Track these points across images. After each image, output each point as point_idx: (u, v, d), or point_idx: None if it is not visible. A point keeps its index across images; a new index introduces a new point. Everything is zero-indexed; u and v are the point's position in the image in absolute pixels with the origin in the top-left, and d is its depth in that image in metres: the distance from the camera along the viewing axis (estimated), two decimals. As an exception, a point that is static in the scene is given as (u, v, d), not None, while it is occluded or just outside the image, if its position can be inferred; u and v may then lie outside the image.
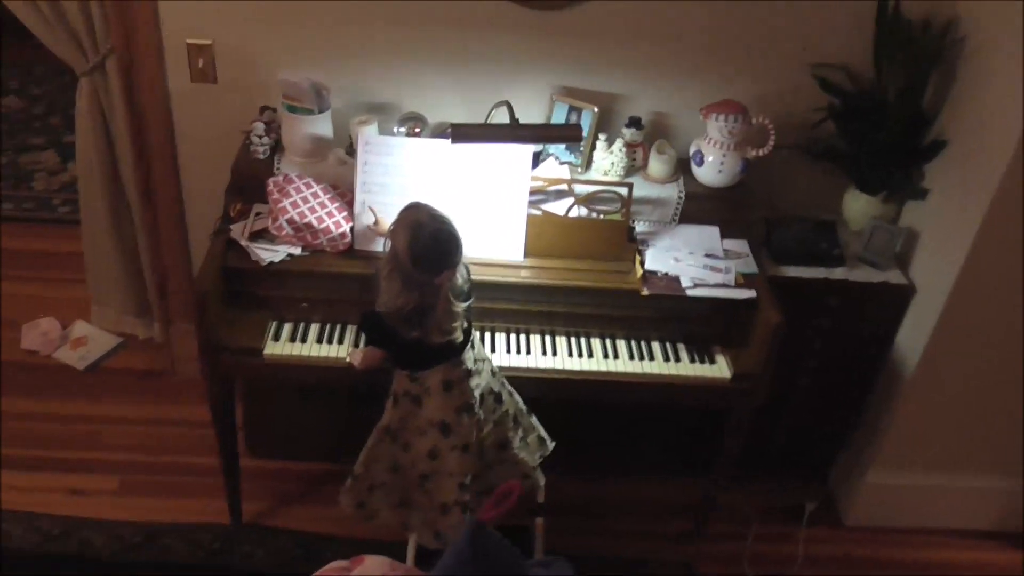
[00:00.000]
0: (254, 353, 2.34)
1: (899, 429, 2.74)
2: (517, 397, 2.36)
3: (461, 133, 2.17)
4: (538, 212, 2.45)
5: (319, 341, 2.39)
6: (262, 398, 2.83)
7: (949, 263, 2.47)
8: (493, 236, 2.41)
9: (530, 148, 2.37)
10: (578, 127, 2.32)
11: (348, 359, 2.32)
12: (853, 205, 2.73)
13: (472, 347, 2.18)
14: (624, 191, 2.45)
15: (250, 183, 2.49)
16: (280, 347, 2.36)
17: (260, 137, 2.49)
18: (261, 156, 2.52)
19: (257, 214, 2.45)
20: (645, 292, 2.40)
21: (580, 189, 2.47)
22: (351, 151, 2.53)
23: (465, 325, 2.14)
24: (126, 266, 3.05)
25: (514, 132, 2.25)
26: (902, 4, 2.49)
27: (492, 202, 2.38)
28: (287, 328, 2.42)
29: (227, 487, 2.65)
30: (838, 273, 2.60)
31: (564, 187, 2.48)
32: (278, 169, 2.50)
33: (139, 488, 2.81)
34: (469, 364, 2.16)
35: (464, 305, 2.07)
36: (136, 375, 3.20)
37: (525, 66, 2.58)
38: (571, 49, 2.56)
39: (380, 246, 2.35)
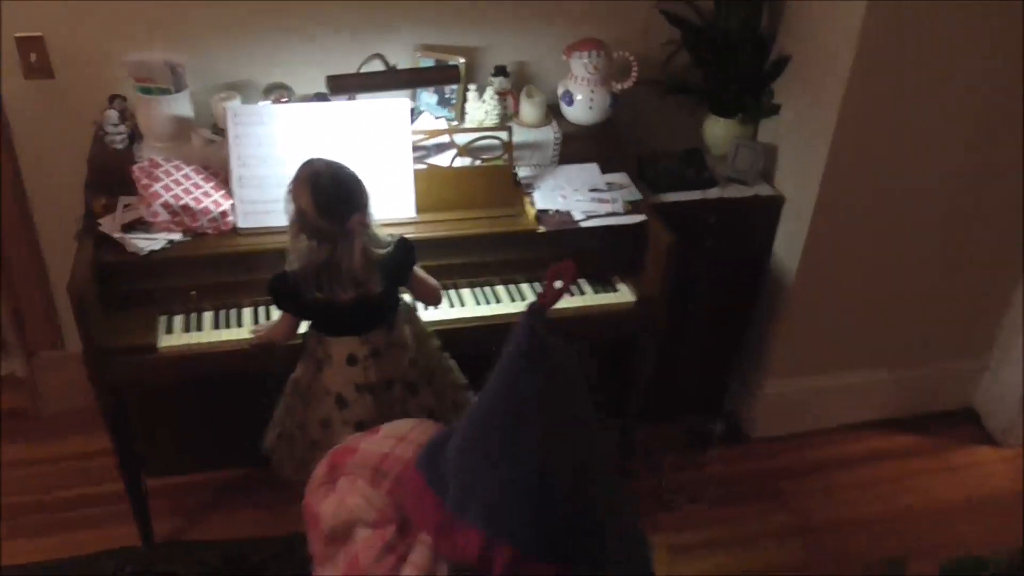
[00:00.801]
0: (148, 350, 2.18)
1: (788, 335, 2.88)
2: (452, 374, 2.28)
3: (339, 84, 2.12)
4: (423, 166, 2.42)
5: (216, 327, 2.26)
6: (150, 415, 2.63)
7: (811, 170, 2.62)
8: (382, 195, 2.33)
9: (407, 101, 2.35)
10: (455, 67, 2.31)
11: (253, 335, 2.20)
12: (713, 131, 2.86)
13: (391, 329, 2.10)
14: (504, 135, 2.46)
15: (110, 176, 2.33)
16: (175, 339, 2.21)
17: (115, 126, 2.34)
18: (119, 146, 2.36)
19: (125, 206, 2.29)
20: (541, 229, 2.42)
21: (460, 140, 2.46)
22: (216, 130, 2.42)
23: (388, 297, 2.07)
24: (-29, 300, 2.78)
25: (392, 78, 2.22)
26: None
27: (377, 161, 2.33)
28: (178, 320, 2.27)
29: (134, 507, 2.45)
30: (712, 193, 2.72)
31: (443, 140, 2.47)
32: (140, 157, 2.35)
33: (29, 530, 2.56)
34: (380, 344, 2.08)
35: (382, 252, 2.00)
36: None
37: (385, 28, 2.54)
38: (429, 8, 2.55)
39: (271, 222, 2.26)
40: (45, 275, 2.72)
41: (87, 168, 2.36)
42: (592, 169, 2.64)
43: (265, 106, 2.29)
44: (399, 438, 1.26)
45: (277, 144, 2.28)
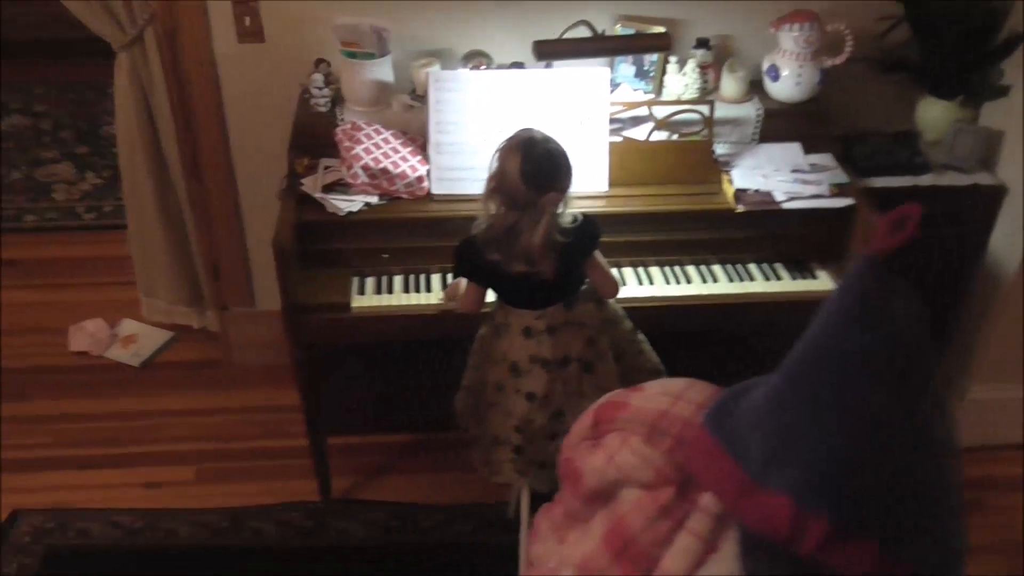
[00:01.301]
0: (342, 309, 2.23)
1: (1002, 338, 2.64)
2: (644, 356, 2.21)
3: (547, 50, 2.07)
4: (619, 139, 2.35)
5: (406, 291, 2.28)
6: (336, 375, 2.69)
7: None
8: (576, 166, 2.29)
9: (607, 70, 2.28)
10: (666, 34, 2.22)
11: (443, 297, 2.22)
12: (928, 113, 2.65)
13: (570, 308, 2.04)
14: (705, 110, 2.35)
15: (313, 139, 2.39)
16: (367, 300, 2.25)
17: (320, 89, 2.39)
18: (322, 109, 2.41)
19: (326, 168, 2.34)
20: (740, 209, 2.30)
21: (658, 113, 2.38)
22: (415, 97, 2.43)
23: (563, 277, 2.01)
24: (174, 253, 2.93)
25: (600, 44, 2.15)
26: None
27: (572, 130, 2.28)
28: (370, 282, 2.30)
29: (315, 461, 2.51)
30: (925, 180, 2.52)
31: (640, 113, 2.39)
32: (342, 120, 2.39)
33: (216, 476, 2.68)
34: (557, 321, 2.03)
35: (561, 239, 1.94)
36: (193, 366, 3.06)
37: (583, -3, 2.49)
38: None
39: (465, 189, 2.26)
40: (243, 235, 2.82)
41: (291, 130, 2.42)
42: (794, 149, 2.49)
43: (466, 72, 2.28)
44: (675, 396, 1.15)
45: (475, 111, 2.26)
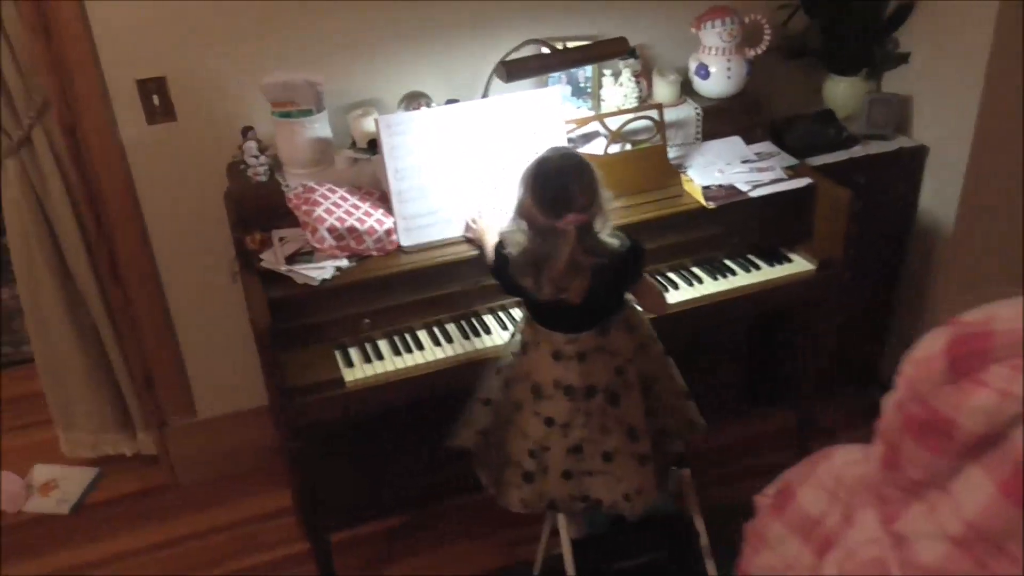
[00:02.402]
0: (335, 386, 2.02)
1: (949, 289, 2.76)
2: (673, 381, 2.09)
3: (515, 69, 2.00)
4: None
5: (397, 354, 2.10)
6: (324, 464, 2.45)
7: (960, 115, 2.52)
8: (544, 192, 2.23)
9: (559, 88, 2.23)
10: (623, 38, 2.19)
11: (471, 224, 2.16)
12: (836, 91, 2.76)
13: (603, 334, 1.91)
14: (655, 114, 2.35)
15: (257, 212, 2.19)
16: (359, 372, 2.05)
17: (256, 158, 2.19)
18: (262, 178, 2.22)
19: (281, 239, 2.14)
20: (711, 205, 2.29)
21: (612, 124, 2.34)
22: (358, 149, 2.28)
23: (599, 302, 1.89)
24: (93, 374, 2.61)
25: (565, 57, 2.10)
26: None
27: (532, 154, 2.20)
28: (354, 352, 2.11)
29: (320, 567, 2.25)
30: (857, 151, 2.62)
31: (588, 129, 2.35)
32: (287, 186, 2.21)
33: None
34: (588, 347, 1.90)
35: (596, 260, 1.80)
36: (134, 499, 2.71)
37: (502, 24, 2.43)
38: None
39: (435, 235, 2.14)
40: (175, 337, 2.55)
41: (230, 207, 2.22)
42: (736, 141, 2.53)
43: (417, 113, 2.16)
44: None
45: (433, 151, 2.15)
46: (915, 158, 2.68)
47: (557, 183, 1.78)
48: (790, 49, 2.70)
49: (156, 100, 2.24)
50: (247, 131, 2.24)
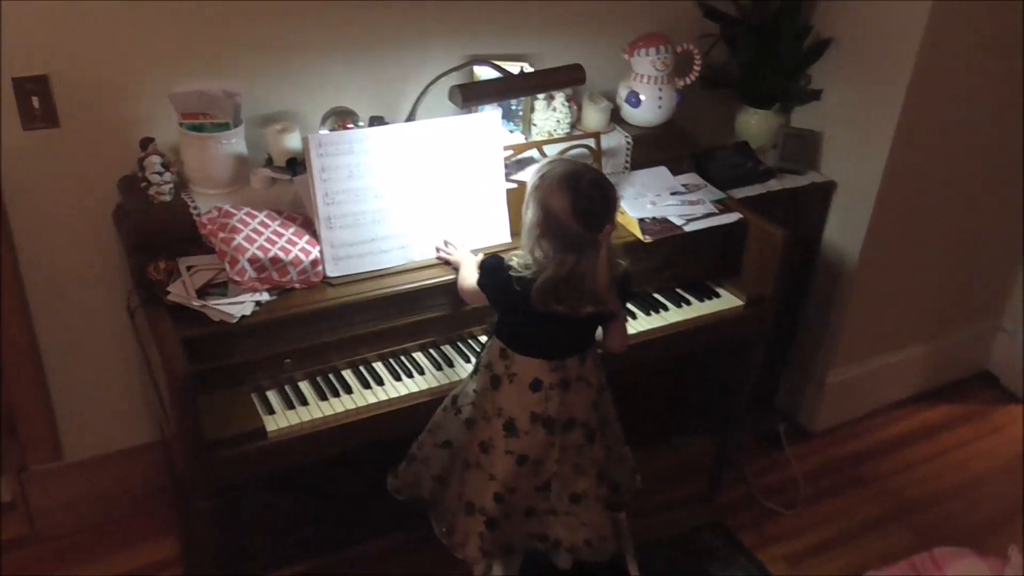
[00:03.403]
0: (256, 436, 1.80)
1: (851, 322, 2.83)
2: (617, 430, 2.04)
3: (471, 94, 1.84)
4: (513, 185, 2.17)
5: (322, 398, 1.90)
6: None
7: (871, 154, 2.58)
8: (476, 220, 2.10)
9: (498, 113, 2.10)
10: (579, 66, 2.08)
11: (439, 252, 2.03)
12: (749, 123, 2.78)
13: (584, 362, 1.86)
14: (592, 142, 2.26)
15: (160, 236, 1.93)
16: (282, 420, 1.84)
17: (160, 175, 1.92)
18: (167, 198, 1.95)
19: (189, 268, 1.89)
20: (647, 239, 2.23)
21: (550, 152, 2.22)
22: (276, 168, 2.06)
23: (595, 323, 1.87)
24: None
25: (522, 82, 1.97)
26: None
27: (470, 182, 2.08)
28: (273, 397, 1.89)
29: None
30: (773, 185, 2.63)
31: (524, 156, 2.23)
32: (196, 208, 1.95)
33: None
34: (571, 375, 1.83)
35: (623, 265, 1.83)
36: (-14, 555, 2.35)
37: (430, 41, 2.28)
38: (475, 15, 2.31)
39: (366, 266, 1.96)
40: (43, 375, 2.22)
41: (124, 230, 1.94)
42: (663, 172, 2.48)
43: (352, 132, 1.96)
44: None
45: (368, 175, 1.96)
46: (824, 192, 2.73)
47: (599, 195, 1.72)
48: (708, 79, 2.68)
49: (36, 102, 1.92)
50: (147, 143, 1.96)
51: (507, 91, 1.98)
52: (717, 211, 2.34)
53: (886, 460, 2.91)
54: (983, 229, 2.95)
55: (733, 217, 2.32)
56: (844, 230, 2.75)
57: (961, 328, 3.19)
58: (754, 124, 2.77)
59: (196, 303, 1.81)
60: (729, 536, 2.58)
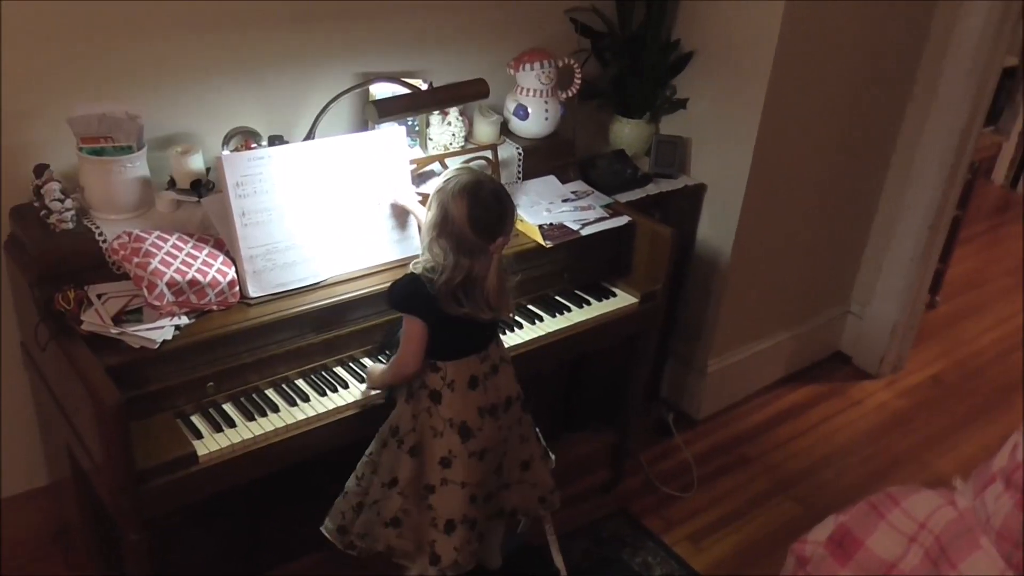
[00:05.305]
0: (187, 462, 1.76)
1: (727, 313, 3.04)
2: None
3: (385, 108, 1.89)
4: (419, 198, 2.22)
5: (250, 419, 1.88)
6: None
7: (737, 157, 2.79)
8: (389, 233, 2.14)
9: (403, 128, 2.16)
10: (483, 80, 2.15)
11: (364, 391, 1.97)
12: (622, 132, 2.94)
13: (498, 343, 1.96)
14: (490, 154, 2.34)
15: (64, 266, 1.85)
16: (212, 443, 1.81)
17: (61, 202, 1.85)
18: (69, 226, 1.88)
19: (100, 296, 1.83)
20: (548, 244, 2.33)
21: (452, 164, 2.29)
22: (180, 190, 2.02)
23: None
24: None
25: (432, 97, 2.02)
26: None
27: (380, 198, 2.11)
28: (198, 421, 1.86)
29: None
30: (651, 189, 2.81)
31: (427, 168, 2.29)
32: (101, 234, 1.89)
33: None
34: (496, 359, 1.92)
35: (516, 278, 1.92)
36: None
37: (321, 59, 2.30)
38: (364, 36, 2.35)
39: (285, 282, 1.95)
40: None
41: (20, 262, 1.86)
42: (552, 181, 2.60)
43: (263, 151, 1.96)
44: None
45: (282, 192, 1.97)
46: (696, 194, 2.94)
47: (497, 208, 1.81)
48: (584, 92, 2.83)
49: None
50: (42, 169, 1.89)
51: (417, 106, 2.04)
52: (608, 215, 2.48)
53: (765, 439, 3.14)
54: (834, 223, 3.25)
55: (624, 220, 2.47)
56: (716, 228, 2.96)
57: (818, 313, 3.49)
58: (627, 133, 2.94)
59: (114, 331, 1.76)
60: (634, 522, 2.71)
